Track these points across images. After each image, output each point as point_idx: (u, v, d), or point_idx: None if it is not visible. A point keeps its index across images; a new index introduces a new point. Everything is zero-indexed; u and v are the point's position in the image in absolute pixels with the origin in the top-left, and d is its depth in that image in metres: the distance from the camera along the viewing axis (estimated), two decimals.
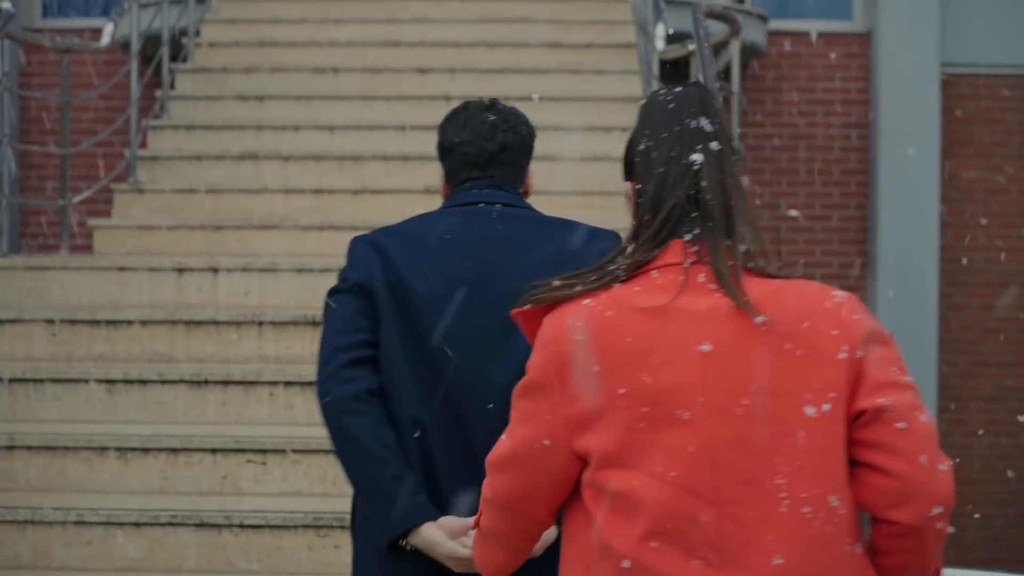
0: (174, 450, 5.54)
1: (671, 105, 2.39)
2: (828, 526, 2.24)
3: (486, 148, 3.28)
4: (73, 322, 6.22)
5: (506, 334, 3.05)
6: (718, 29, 8.78)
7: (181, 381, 5.85)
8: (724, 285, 2.28)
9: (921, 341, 10.54)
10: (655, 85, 7.97)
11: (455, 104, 3.45)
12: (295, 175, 7.95)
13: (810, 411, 2.24)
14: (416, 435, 3.11)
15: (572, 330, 2.30)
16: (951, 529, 2.30)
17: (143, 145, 8.35)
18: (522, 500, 2.41)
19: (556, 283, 2.37)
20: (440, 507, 3.08)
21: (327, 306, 3.19)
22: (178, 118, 8.53)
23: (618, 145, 8.01)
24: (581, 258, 2.80)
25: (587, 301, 2.32)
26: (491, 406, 3.05)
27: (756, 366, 2.25)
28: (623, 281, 2.33)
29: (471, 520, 2.87)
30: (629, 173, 2.45)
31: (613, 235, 3.13)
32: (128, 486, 5.53)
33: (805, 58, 11.20)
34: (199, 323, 6.20)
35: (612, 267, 2.34)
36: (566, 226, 3.24)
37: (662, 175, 2.34)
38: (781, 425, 2.24)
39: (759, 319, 2.24)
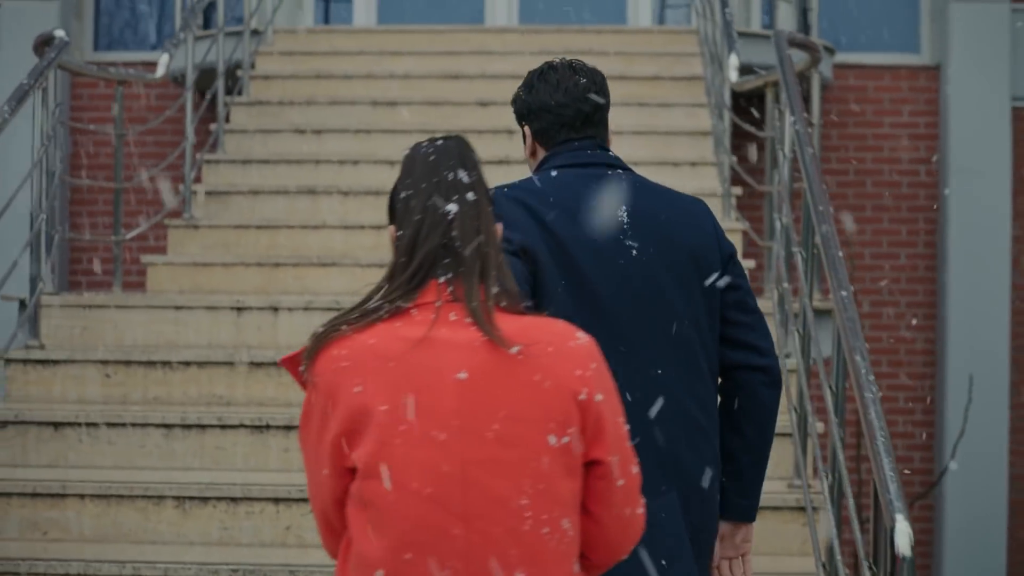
0: (234, 499, 5.28)
1: (431, 157, 2.60)
2: (561, 546, 2.48)
3: (582, 110, 3.36)
4: (128, 363, 5.98)
5: (670, 300, 3.24)
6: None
7: (241, 426, 5.60)
8: (477, 321, 2.48)
9: (992, 382, 10.20)
10: (727, 117, 7.69)
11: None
12: (354, 211, 7.71)
13: (552, 440, 2.46)
14: None
15: (337, 359, 2.50)
16: None
17: (198, 180, 8.12)
18: (331, 522, 2.59)
19: (320, 330, 2.55)
20: None
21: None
22: (233, 152, 8.31)
23: (686, 180, 7.75)
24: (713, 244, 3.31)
25: (351, 334, 2.52)
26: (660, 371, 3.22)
27: (507, 395, 2.46)
28: (384, 320, 2.51)
29: None
30: (392, 218, 2.63)
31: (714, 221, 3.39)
32: (186, 537, 5.27)
33: (872, 92, 10.89)
34: (259, 364, 5.95)
35: (373, 307, 2.53)
36: (679, 199, 3.40)
37: (419, 222, 2.55)
38: (527, 450, 2.45)
39: (513, 349, 2.45)
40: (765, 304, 6.29)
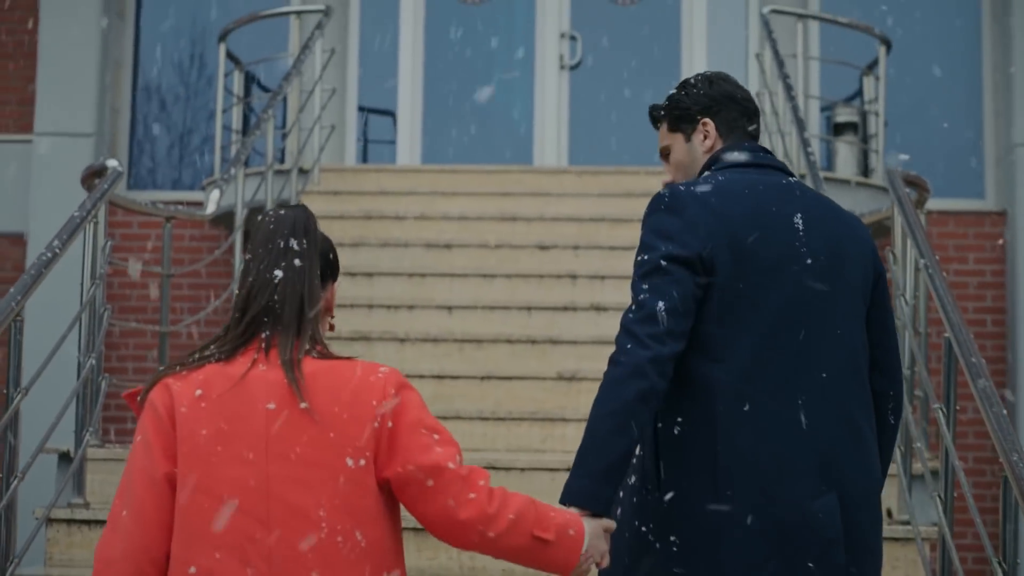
0: None
1: (271, 226, 3.03)
2: (352, 554, 2.86)
3: (757, 108, 3.56)
4: None
5: (838, 307, 3.30)
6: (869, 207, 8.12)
7: None
8: (286, 372, 2.91)
9: None
10: None
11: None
12: (411, 358, 7.22)
13: (350, 462, 2.87)
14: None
15: (170, 388, 2.93)
16: None
17: None
18: (137, 520, 2.92)
19: (161, 369, 3.01)
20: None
21: (661, 270, 3.19)
22: None
23: None
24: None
25: (186, 373, 2.96)
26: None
27: (310, 423, 2.88)
28: (214, 363, 2.95)
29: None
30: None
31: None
32: None
33: (936, 238, 10.46)
34: None
35: (208, 353, 2.98)
36: (843, 212, 3.48)
37: (251, 284, 2.99)
38: (327, 471, 2.86)
39: (303, 405, 2.88)
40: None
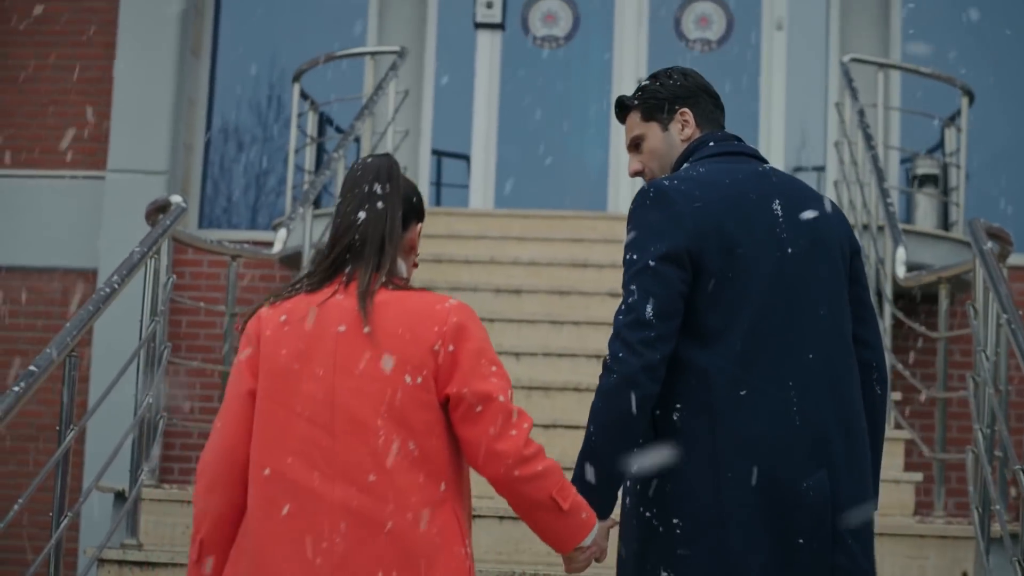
0: None
1: (358, 173, 3.39)
2: (406, 461, 3.17)
3: (720, 98, 3.69)
4: None
5: (818, 287, 3.44)
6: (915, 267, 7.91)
7: None
8: (359, 297, 3.25)
9: None
10: (888, 315, 7.04)
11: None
12: None
13: (408, 379, 3.19)
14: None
15: (258, 317, 3.35)
16: None
17: None
18: (225, 431, 3.34)
19: (261, 301, 3.40)
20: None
21: (649, 270, 3.29)
22: None
23: None
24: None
25: (278, 303, 3.35)
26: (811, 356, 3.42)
27: (373, 344, 3.21)
28: (303, 293, 3.32)
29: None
30: None
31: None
32: None
33: (1017, 294, 10.21)
34: None
35: (298, 285, 3.36)
36: (816, 194, 3.60)
37: (337, 224, 3.36)
38: (385, 385, 3.18)
39: (366, 329, 3.22)
40: (960, 527, 5.59)
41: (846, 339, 3.46)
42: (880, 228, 7.75)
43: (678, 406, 3.35)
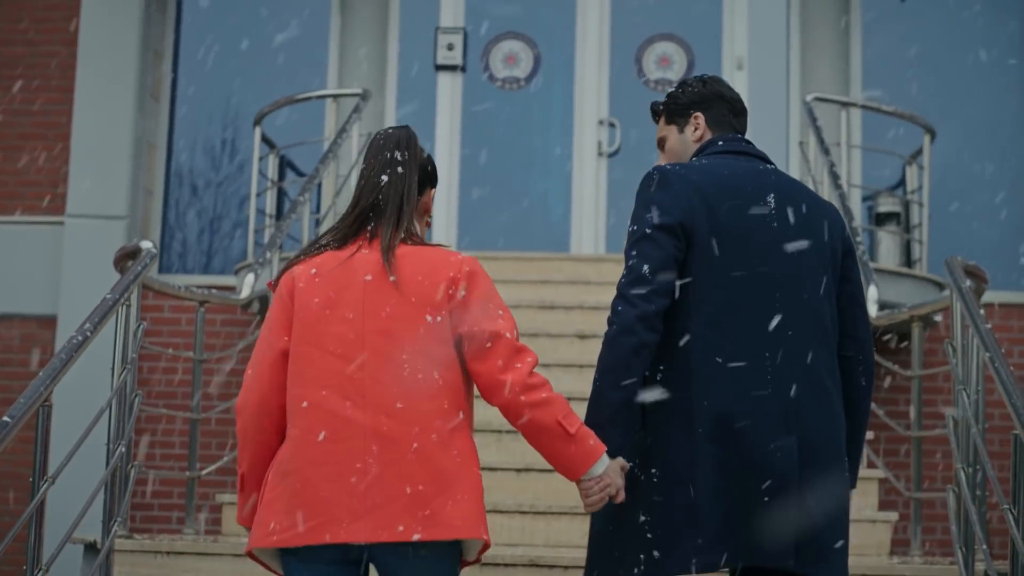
0: None
1: (381, 142, 3.83)
2: (431, 389, 3.58)
3: (741, 105, 4.09)
4: None
5: (804, 274, 3.81)
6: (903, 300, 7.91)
7: None
8: (383, 250, 3.68)
9: None
10: None
11: None
12: None
13: (428, 319, 3.61)
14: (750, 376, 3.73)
15: (290, 274, 3.76)
16: None
17: None
18: (259, 380, 3.72)
19: (290, 259, 3.84)
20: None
21: (648, 237, 3.73)
22: None
23: None
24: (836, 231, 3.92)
25: (306, 259, 3.78)
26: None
27: (397, 290, 3.64)
28: (330, 250, 3.76)
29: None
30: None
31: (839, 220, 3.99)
32: None
33: None
34: None
35: (324, 242, 3.79)
36: (814, 195, 3.98)
37: (361, 187, 3.79)
38: (409, 324, 3.61)
39: (391, 278, 3.64)
40: (941, 567, 5.55)
41: (825, 327, 3.81)
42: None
43: (662, 367, 3.74)
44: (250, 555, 3.73)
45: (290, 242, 9.48)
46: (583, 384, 7.53)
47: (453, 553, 3.62)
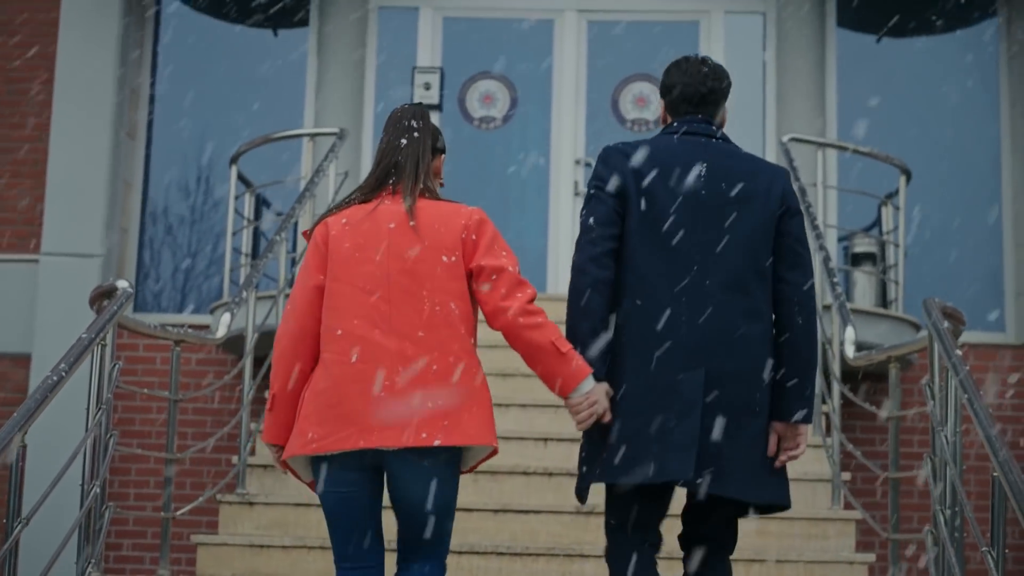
0: None
1: (398, 114, 4.52)
2: (450, 317, 4.25)
3: (699, 90, 4.62)
4: None
5: (727, 232, 4.44)
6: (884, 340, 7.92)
7: None
8: (404, 201, 4.37)
9: None
10: (837, 394, 7.03)
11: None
12: None
13: (444, 259, 4.30)
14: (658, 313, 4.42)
15: (325, 223, 4.43)
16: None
17: (252, 452, 7.42)
18: (296, 314, 4.41)
19: (323, 213, 4.59)
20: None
21: (593, 197, 4.51)
22: None
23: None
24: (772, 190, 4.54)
25: (336, 213, 4.46)
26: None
27: (417, 235, 4.32)
28: (355, 203, 4.44)
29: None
30: None
31: (785, 173, 4.63)
32: None
33: None
34: None
35: (351, 197, 4.47)
36: (757, 163, 4.61)
37: (382, 150, 4.48)
38: (429, 264, 4.28)
39: (412, 223, 4.32)
40: None
41: (744, 280, 4.42)
42: (826, 307, 7.75)
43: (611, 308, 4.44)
44: (283, 464, 4.40)
45: (266, 281, 9.45)
46: (559, 424, 7.52)
47: (456, 460, 4.30)
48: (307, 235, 4.46)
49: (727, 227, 4.42)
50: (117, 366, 5.66)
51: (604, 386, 4.35)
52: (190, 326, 9.51)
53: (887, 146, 10.07)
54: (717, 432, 4.32)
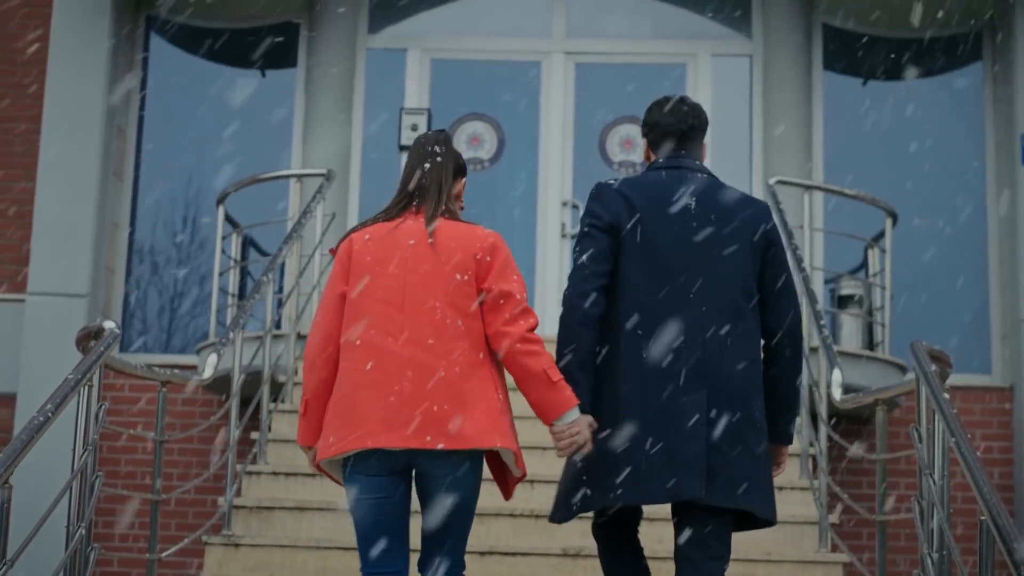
0: None
1: (421, 140, 4.81)
2: (456, 331, 4.53)
3: (680, 128, 4.88)
4: None
5: (718, 260, 4.67)
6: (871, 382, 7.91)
7: None
8: (425, 221, 4.65)
9: None
10: (824, 435, 7.02)
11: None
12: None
13: (457, 277, 4.58)
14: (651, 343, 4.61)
15: (350, 239, 4.72)
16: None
17: (238, 493, 7.39)
18: (323, 326, 4.70)
19: (350, 230, 4.82)
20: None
21: (587, 235, 4.70)
22: (277, 463, 7.61)
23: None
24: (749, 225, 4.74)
25: (361, 230, 4.75)
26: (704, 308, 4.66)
27: (433, 253, 4.60)
28: (380, 221, 4.71)
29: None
30: None
31: (766, 207, 4.86)
32: None
33: None
34: None
35: (379, 216, 4.74)
36: (740, 195, 4.81)
37: (408, 173, 4.75)
38: (441, 280, 4.57)
39: (430, 241, 4.60)
40: None
41: (737, 303, 4.64)
42: (813, 349, 7.76)
43: (603, 337, 4.62)
44: (317, 466, 4.66)
45: (253, 322, 9.44)
46: (546, 466, 7.51)
47: (477, 461, 4.56)
48: (333, 252, 4.76)
49: (718, 255, 4.64)
50: (103, 407, 5.63)
51: (588, 418, 4.55)
52: (176, 366, 9.49)
53: (873, 188, 10.10)
54: (722, 449, 4.51)
